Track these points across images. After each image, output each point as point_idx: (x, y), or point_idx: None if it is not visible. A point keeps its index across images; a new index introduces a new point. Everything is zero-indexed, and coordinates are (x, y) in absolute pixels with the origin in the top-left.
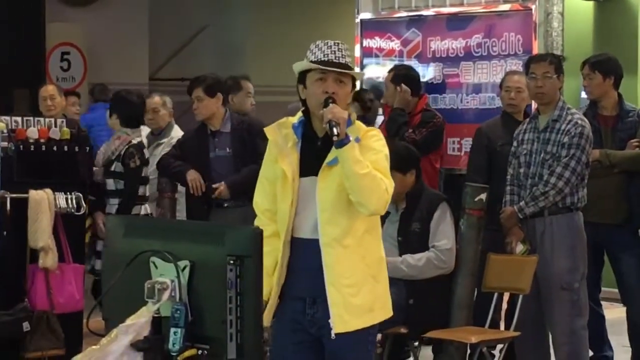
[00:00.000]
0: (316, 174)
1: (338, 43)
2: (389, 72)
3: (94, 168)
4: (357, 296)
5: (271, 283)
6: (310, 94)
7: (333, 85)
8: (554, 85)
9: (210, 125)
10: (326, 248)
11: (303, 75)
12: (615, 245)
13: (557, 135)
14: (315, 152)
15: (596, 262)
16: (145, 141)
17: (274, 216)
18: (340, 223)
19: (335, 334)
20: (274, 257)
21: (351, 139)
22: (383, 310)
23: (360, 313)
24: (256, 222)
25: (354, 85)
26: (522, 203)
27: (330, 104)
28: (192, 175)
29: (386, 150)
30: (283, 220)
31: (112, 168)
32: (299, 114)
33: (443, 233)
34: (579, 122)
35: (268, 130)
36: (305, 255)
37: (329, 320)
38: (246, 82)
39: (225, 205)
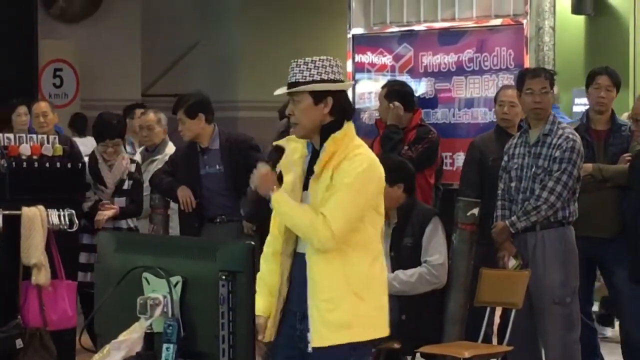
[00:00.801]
0: None
1: (300, 60)
2: (383, 87)
3: (106, 190)
4: (334, 312)
5: (273, 300)
6: None
7: (290, 107)
8: (549, 101)
9: (199, 142)
10: (310, 262)
11: None
12: (608, 259)
13: (549, 150)
14: (311, 166)
15: (588, 276)
16: (139, 157)
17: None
18: None
19: (313, 348)
20: (279, 274)
21: (271, 194)
22: (366, 329)
23: (336, 328)
24: (268, 238)
25: (327, 96)
26: (514, 217)
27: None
28: (183, 192)
29: (350, 179)
30: (283, 232)
31: (125, 187)
32: None
33: (435, 248)
34: (570, 136)
35: (279, 143)
36: (299, 269)
37: (307, 334)
38: None
39: (217, 220)
